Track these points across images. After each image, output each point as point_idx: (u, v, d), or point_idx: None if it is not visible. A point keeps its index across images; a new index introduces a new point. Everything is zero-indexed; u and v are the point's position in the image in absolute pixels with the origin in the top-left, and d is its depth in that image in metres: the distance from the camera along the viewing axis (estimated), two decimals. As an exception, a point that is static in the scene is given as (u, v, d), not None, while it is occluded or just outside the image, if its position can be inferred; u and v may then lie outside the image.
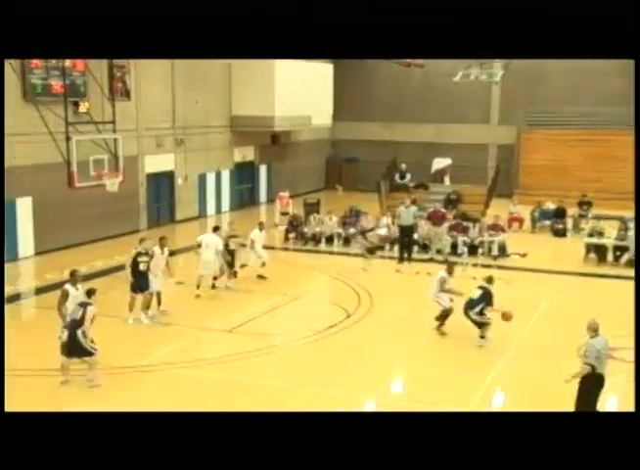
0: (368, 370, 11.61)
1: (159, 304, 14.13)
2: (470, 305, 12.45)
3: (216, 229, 15.80)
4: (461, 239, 20.31)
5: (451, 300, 13.18)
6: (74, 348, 10.51)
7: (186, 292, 15.73)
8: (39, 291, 16.46)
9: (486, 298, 12.40)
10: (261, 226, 17.38)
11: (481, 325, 12.42)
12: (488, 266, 19.17)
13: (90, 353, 10.54)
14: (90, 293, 11.01)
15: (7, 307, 15.39)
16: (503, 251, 20.13)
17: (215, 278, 15.53)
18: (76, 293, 11.21)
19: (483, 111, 31.76)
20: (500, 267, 19.11)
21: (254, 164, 29.66)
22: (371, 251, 18.53)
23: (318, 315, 14.87)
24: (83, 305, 10.67)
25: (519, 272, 18.41)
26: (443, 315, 13.13)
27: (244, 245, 16.76)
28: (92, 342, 10.58)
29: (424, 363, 11.96)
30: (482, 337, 12.50)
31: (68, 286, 11.46)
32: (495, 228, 20.40)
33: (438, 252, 19.74)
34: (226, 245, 15.62)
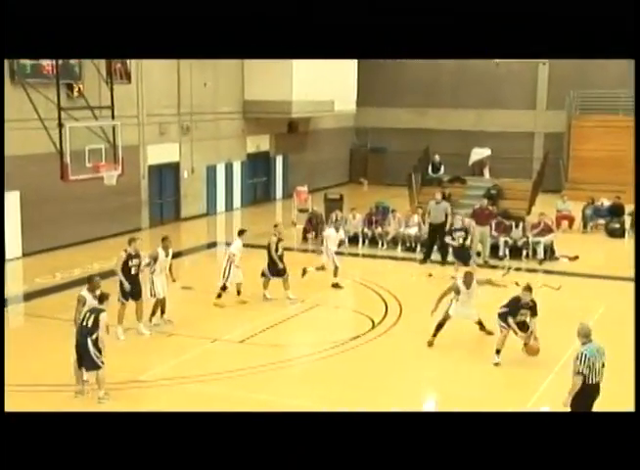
0: (396, 387, 11.53)
1: (162, 312, 14.14)
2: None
3: (241, 233, 15.67)
4: (502, 240, 20.16)
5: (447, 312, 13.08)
6: (85, 358, 10.63)
7: (192, 298, 15.76)
8: (28, 296, 16.56)
9: (511, 305, 12.31)
10: (337, 225, 17.68)
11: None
12: (534, 271, 19.05)
13: (97, 367, 10.59)
14: (102, 298, 11.01)
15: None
16: (550, 253, 19.96)
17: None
18: (94, 301, 11.16)
19: (529, 94, 31.52)
20: (547, 272, 18.97)
21: (270, 156, 29.69)
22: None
23: (340, 325, 14.82)
24: (94, 312, 10.70)
25: (568, 278, 18.22)
26: (439, 324, 13.07)
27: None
28: (99, 353, 10.60)
29: (458, 381, 11.84)
30: (498, 351, 12.30)
31: (84, 292, 11.46)
32: (542, 228, 20.21)
33: (478, 254, 19.54)
34: (276, 250, 15.48)
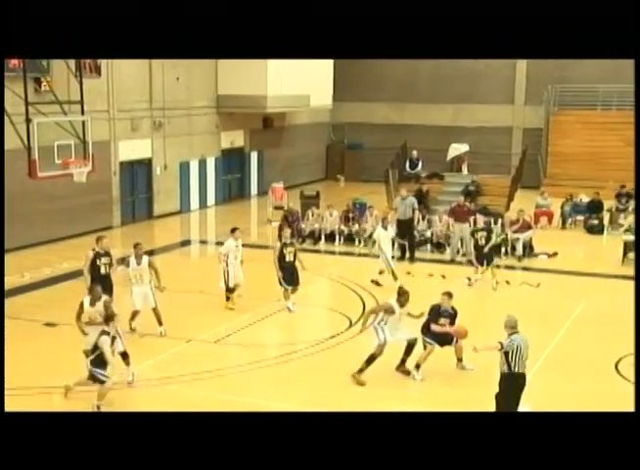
0: (375, 388, 11.53)
1: (159, 323, 13.68)
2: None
3: (233, 231, 15.28)
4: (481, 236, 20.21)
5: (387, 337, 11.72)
6: (90, 373, 10.45)
7: (165, 298, 15.65)
8: (-4, 296, 16.38)
9: (432, 313, 11.94)
10: (385, 222, 17.67)
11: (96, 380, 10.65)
12: (512, 268, 19.17)
13: (101, 381, 10.43)
14: (108, 319, 10.70)
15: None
16: (529, 250, 20.09)
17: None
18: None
19: (507, 90, 31.73)
20: (526, 269, 19.11)
21: (244, 152, 29.62)
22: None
23: (317, 324, 14.83)
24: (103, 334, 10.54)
25: (547, 274, 18.36)
26: (370, 358, 11.62)
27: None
28: (100, 368, 10.44)
29: (439, 380, 11.88)
30: (418, 366, 11.73)
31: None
32: (520, 224, 20.33)
33: (464, 255, 19.61)
34: (283, 256, 14.91)
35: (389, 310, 11.72)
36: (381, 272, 17.03)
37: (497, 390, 9.76)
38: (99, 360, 10.45)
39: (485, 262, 17.28)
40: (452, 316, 11.98)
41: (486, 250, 17.17)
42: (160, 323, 13.63)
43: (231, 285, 15.03)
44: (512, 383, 9.56)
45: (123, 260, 13.91)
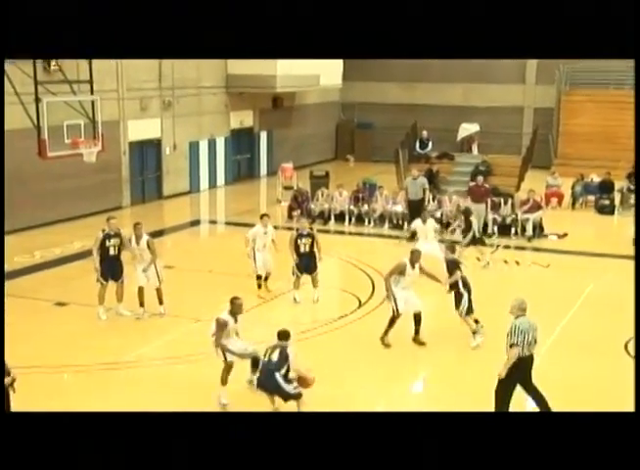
0: (383, 367, 11.59)
1: (160, 302, 13.69)
2: (269, 369, 9.78)
3: (262, 217, 15.02)
4: (491, 217, 20.22)
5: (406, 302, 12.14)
6: (279, 392, 9.75)
7: (174, 277, 15.72)
8: (8, 276, 16.45)
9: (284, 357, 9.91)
10: (425, 215, 17.29)
11: (292, 397, 9.79)
12: (522, 248, 19.15)
13: (296, 396, 9.73)
14: (283, 336, 9.95)
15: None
16: (539, 231, 20.05)
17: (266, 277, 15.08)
18: (234, 325, 10.49)
19: (518, 69, 31.48)
20: (536, 249, 19.08)
21: (254, 131, 29.57)
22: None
23: (326, 304, 14.85)
24: (279, 347, 9.88)
25: (557, 255, 18.33)
26: (391, 321, 12.18)
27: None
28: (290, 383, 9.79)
29: (446, 361, 11.91)
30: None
31: (225, 315, 10.46)
32: (531, 205, 20.27)
33: (474, 237, 19.53)
34: (297, 245, 14.48)
35: (402, 270, 12.12)
36: None
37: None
38: (287, 376, 9.82)
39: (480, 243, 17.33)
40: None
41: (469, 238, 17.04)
42: (161, 302, 13.66)
43: (260, 272, 14.78)
44: (517, 367, 9.29)
45: (130, 241, 13.92)
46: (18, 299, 14.66)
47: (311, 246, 14.55)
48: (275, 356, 9.70)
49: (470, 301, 12.56)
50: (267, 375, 9.61)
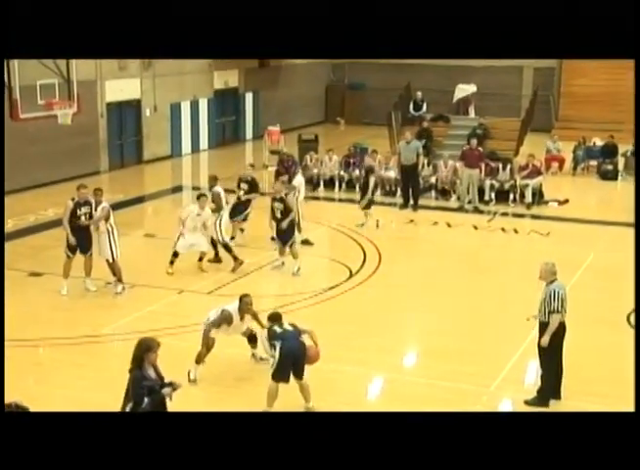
0: (375, 340, 11.61)
1: (116, 278, 13.41)
2: (293, 335, 9.53)
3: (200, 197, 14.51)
4: (489, 183, 20.20)
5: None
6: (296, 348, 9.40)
7: (155, 246, 15.69)
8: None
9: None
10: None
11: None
12: (521, 216, 19.17)
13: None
14: (275, 318, 9.78)
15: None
16: (539, 197, 20.05)
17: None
18: (239, 322, 10.32)
19: (518, 26, 31.26)
20: (535, 217, 19.11)
21: (239, 92, 29.36)
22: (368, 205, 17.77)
23: (315, 274, 14.84)
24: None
25: (558, 223, 18.36)
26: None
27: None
28: None
29: (441, 333, 11.95)
30: None
31: (233, 311, 10.20)
32: (530, 170, 20.23)
33: (469, 202, 19.58)
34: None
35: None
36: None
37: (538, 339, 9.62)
38: None
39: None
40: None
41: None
42: (117, 279, 13.30)
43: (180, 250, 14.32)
44: (562, 333, 9.44)
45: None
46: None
47: (283, 211, 14.32)
48: (289, 326, 9.50)
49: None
50: (293, 340, 9.35)
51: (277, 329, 9.44)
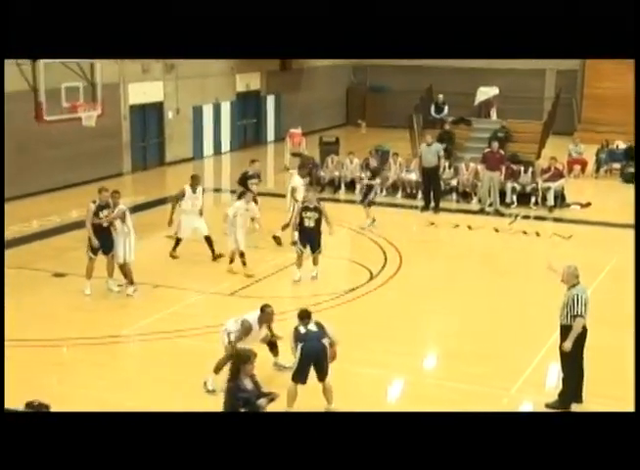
0: (395, 342, 11.61)
1: (128, 281, 13.44)
2: (315, 336, 9.50)
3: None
4: (510, 186, 20.13)
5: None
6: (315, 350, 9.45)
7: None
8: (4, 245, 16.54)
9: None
10: (302, 171, 17.34)
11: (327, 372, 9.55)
12: (543, 219, 19.08)
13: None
14: (305, 316, 9.74)
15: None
16: (561, 200, 19.96)
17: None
18: (258, 331, 10.23)
19: (540, 29, 31.11)
20: (557, 220, 19.02)
21: (261, 95, 29.43)
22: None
23: (336, 276, 14.86)
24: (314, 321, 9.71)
25: (580, 226, 18.26)
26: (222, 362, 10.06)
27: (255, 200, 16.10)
28: None
29: (462, 335, 11.94)
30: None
31: (253, 321, 10.15)
32: (552, 173, 20.14)
33: (490, 205, 19.55)
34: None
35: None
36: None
37: (559, 343, 9.59)
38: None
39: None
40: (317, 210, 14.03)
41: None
42: (129, 282, 13.36)
43: (232, 248, 14.55)
44: (584, 336, 9.42)
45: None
46: (15, 269, 14.73)
47: (317, 221, 14.12)
48: (313, 327, 9.49)
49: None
50: (315, 340, 9.34)
51: (301, 330, 9.45)
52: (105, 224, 13.14)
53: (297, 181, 16.68)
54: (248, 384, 7.62)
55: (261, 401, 7.53)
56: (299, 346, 9.31)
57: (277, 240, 16.13)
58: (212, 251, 15.05)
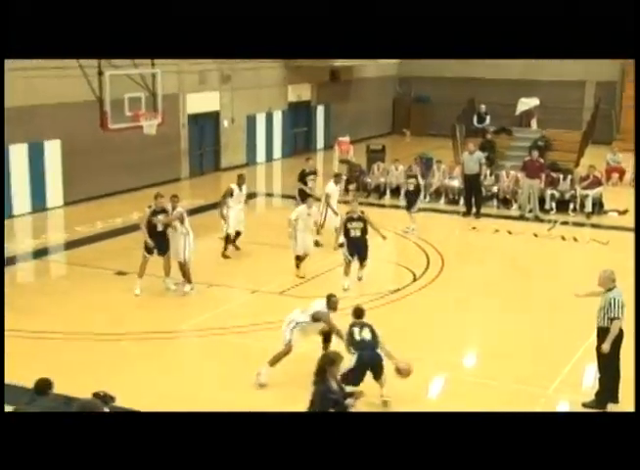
0: (437, 340, 11.53)
1: (185, 279, 13.54)
2: (370, 346, 9.50)
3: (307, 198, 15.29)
4: (550, 193, 19.88)
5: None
6: (373, 359, 9.45)
7: (230, 248, 15.84)
8: (69, 245, 16.84)
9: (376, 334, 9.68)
10: (338, 179, 17.30)
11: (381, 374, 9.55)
12: (581, 225, 18.79)
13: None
14: (359, 314, 9.93)
15: (33, 263, 15.83)
16: (599, 207, 19.64)
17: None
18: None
19: (580, 42, 30.64)
20: (595, 226, 18.72)
21: (311, 105, 29.48)
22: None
23: (381, 277, 14.82)
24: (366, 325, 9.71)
25: (617, 232, 17.93)
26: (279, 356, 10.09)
27: (317, 199, 16.28)
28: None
29: (501, 335, 11.82)
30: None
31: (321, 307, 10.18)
32: (590, 180, 19.83)
33: (530, 211, 19.34)
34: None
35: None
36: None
37: (597, 344, 9.46)
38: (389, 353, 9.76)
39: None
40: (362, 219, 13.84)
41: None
42: (187, 280, 13.44)
43: (299, 253, 14.52)
44: (621, 339, 9.28)
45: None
46: (81, 267, 15.01)
47: (363, 230, 13.92)
48: (367, 335, 9.47)
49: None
50: (370, 350, 9.38)
51: (356, 335, 9.44)
52: (160, 228, 13.27)
53: (331, 188, 16.68)
54: (334, 385, 7.48)
55: (349, 401, 7.44)
56: (357, 354, 9.32)
57: (316, 243, 16.10)
58: (235, 245, 15.64)
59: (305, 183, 17.40)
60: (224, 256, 15.38)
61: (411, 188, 18.17)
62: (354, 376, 9.14)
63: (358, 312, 9.78)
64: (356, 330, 9.49)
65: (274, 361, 9.94)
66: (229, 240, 15.56)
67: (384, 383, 9.41)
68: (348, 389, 8.05)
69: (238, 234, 15.73)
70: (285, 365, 10.03)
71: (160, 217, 13.28)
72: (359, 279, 14.17)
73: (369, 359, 9.31)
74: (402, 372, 9.46)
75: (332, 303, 10.15)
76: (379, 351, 9.40)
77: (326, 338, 10.43)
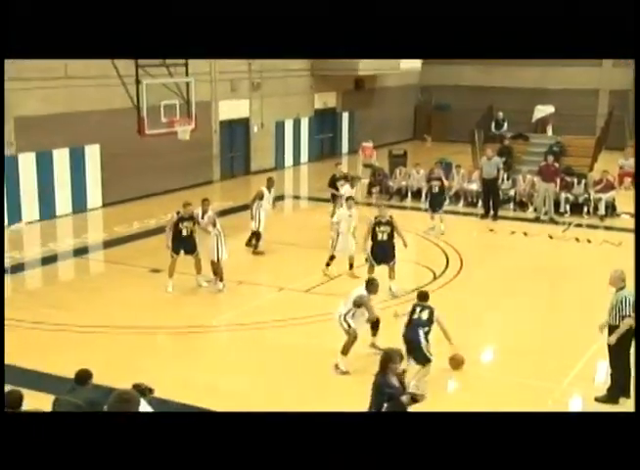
0: (454, 336, 11.44)
1: (217, 278, 13.54)
2: (416, 324, 9.82)
3: (348, 200, 14.72)
4: (564, 196, 19.71)
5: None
6: (416, 352, 9.67)
7: (260, 247, 15.88)
8: (108, 244, 16.96)
9: (432, 319, 9.94)
10: (354, 182, 17.35)
11: (426, 362, 9.77)
12: (594, 227, 18.60)
13: (428, 360, 9.75)
14: (423, 297, 10.15)
15: (73, 261, 15.98)
16: (612, 210, 19.43)
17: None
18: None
19: (595, 52, 30.32)
20: (608, 228, 18.53)
21: (336, 112, 29.47)
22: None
23: (402, 276, 14.71)
24: (428, 308, 9.93)
25: (630, 234, 17.66)
26: (348, 344, 10.26)
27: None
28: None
29: (516, 332, 11.73)
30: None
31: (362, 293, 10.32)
32: (604, 184, 19.63)
33: (545, 213, 19.19)
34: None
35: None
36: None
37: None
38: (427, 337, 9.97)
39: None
40: (389, 223, 13.42)
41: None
42: (219, 279, 13.41)
43: (336, 254, 14.35)
44: (633, 337, 9.15)
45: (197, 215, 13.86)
46: (117, 265, 15.12)
47: (390, 234, 13.62)
48: (425, 315, 9.80)
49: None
50: (413, 329, 9.73)
51: (415, 315, 9.82)
52: (185, 232, 13.26)
53: (347, 190, 16.64)
54: (394, 381, 7.28)
55: (404, 398, 7.09)
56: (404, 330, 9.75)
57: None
58: (255, 243, 15.73)
59: (336, 188, 17.32)
60: (255, 253, 15.46)
61: (436, 190, 18.08)
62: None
63: (423, 295, 10.14)
64: (417, 309, 9.88)
65: (345, 351, 10.15)
66: (258, 237, 15.61)
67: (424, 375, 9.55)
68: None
69: (259, 237, 15.69)
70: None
71: (186, 224, 13.24)
72: (393, 295, 13.40)
73: (404, 337, 9.69)
74: (455, 361, 10.03)
75: (372, 286, 10.34)
76: (421, 331, 9.65)
77: (373, 325, 10.51)
